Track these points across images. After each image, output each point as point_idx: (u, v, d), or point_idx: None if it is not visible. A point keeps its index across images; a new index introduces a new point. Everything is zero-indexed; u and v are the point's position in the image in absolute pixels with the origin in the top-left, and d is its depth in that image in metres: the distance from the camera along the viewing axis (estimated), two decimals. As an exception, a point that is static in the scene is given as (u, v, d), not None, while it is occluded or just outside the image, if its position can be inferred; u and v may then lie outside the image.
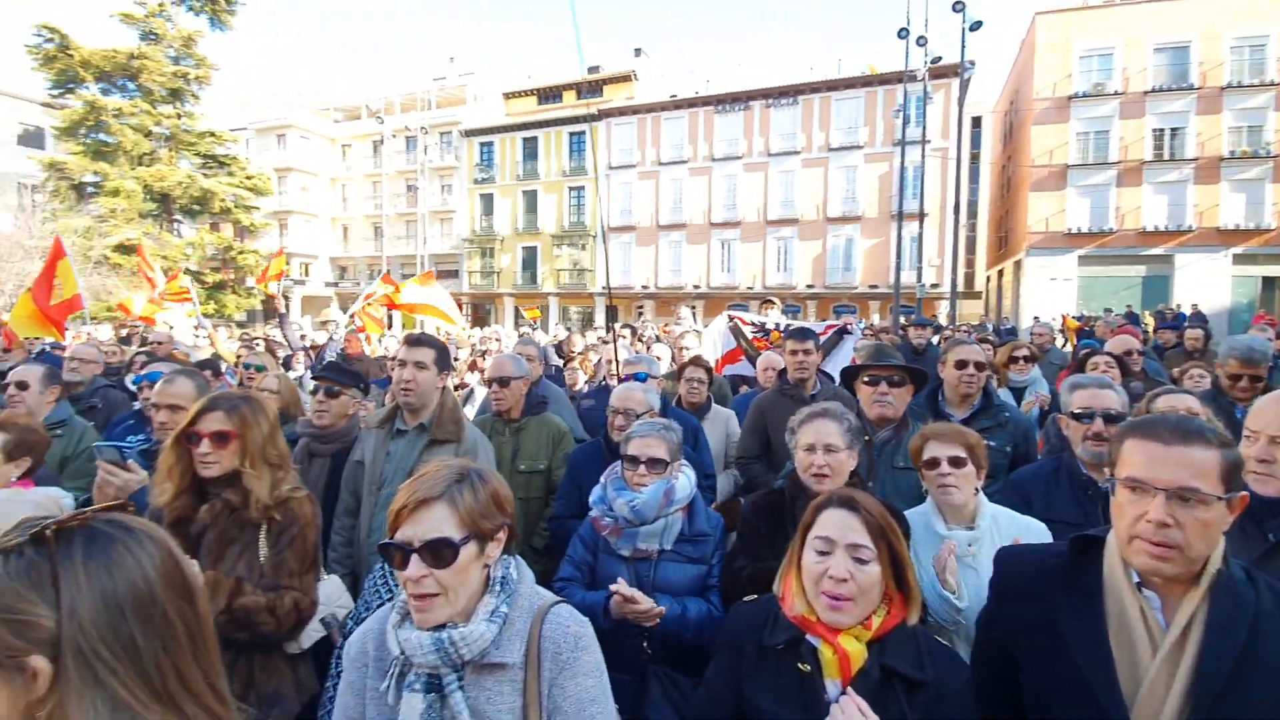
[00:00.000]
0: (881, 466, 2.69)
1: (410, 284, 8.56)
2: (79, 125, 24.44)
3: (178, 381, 2.69)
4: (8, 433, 2.18)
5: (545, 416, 3.63)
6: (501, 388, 3.49)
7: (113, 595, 0.82)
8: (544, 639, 1.34)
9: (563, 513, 3.09)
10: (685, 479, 2.39)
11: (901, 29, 18.17)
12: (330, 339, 8.96)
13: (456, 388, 5.92)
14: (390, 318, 10.68)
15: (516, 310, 33.85)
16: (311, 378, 3.66)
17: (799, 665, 1.47)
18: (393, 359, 5.32)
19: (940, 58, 19.85)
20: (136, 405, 4.12)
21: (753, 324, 6.09)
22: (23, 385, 3.28)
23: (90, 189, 25.23)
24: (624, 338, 9.39)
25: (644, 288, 34.32)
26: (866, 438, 2.43)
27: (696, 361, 4.42)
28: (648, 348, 7.01)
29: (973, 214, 36.46)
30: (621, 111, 34.89)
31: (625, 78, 37.48)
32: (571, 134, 36.26)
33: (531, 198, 37.42)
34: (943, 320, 20.02)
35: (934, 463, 2.11)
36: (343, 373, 3.46)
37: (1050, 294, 26.24)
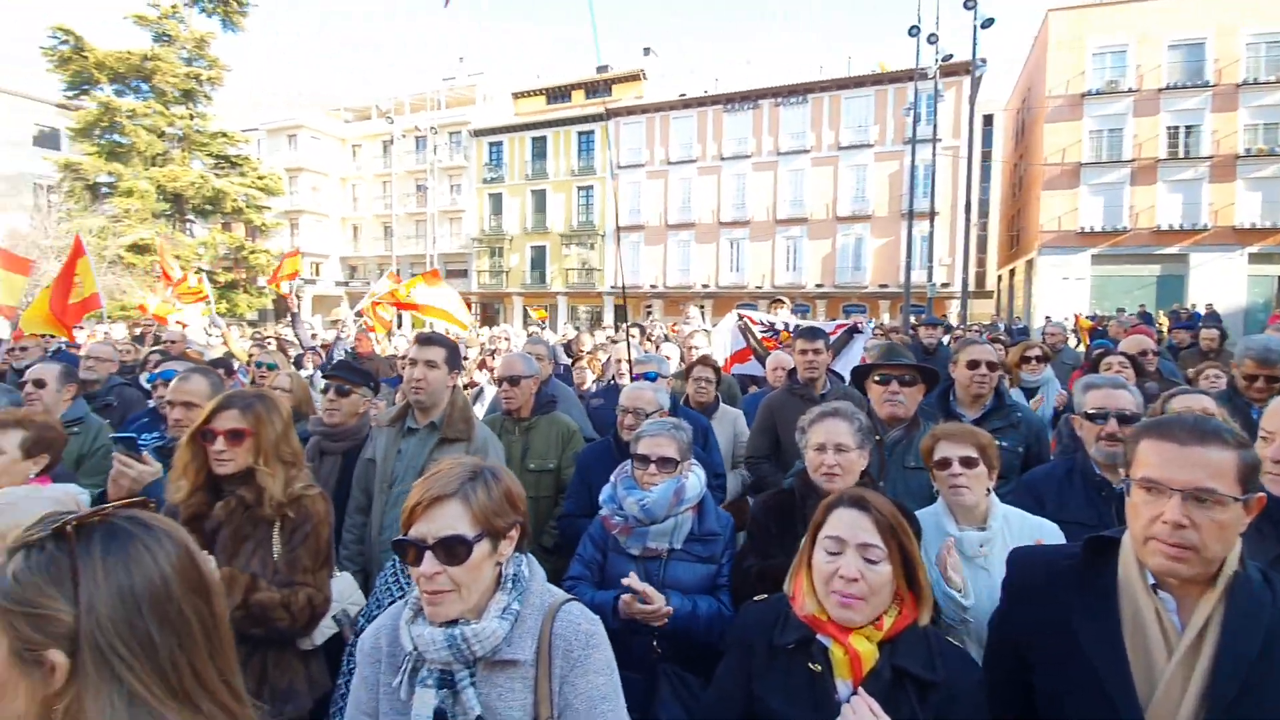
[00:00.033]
0: (892, 466, 2.68)
1: (419, 284, 8.58)
2: (93, 126, 24.70)
3: (192, 379, 2.72)
4: (26, 430, 2.21)
5: (555, 415, 3.64)
6: (512, 386, 3.50)
7: (130, 592, 0.83)
8: (555, 636, 1.34)
9: (572, 511, 3.10)
10: (695, 478, 2.39)
11: (912, 27, 18.07)
12: (338, 338, 9.03)
13: (466, 387, 5.94)
14: (400, 317, 10.72)
15: (525, 310, 33.91)
16: (322, 376, 3.69)
17: (810, 665, 1.47)
18: (403, 358, 5.36)
19: (951, 55, 19.74)
20: (151, 403, 4.16)
21: (762, 323, 6.08)
22: (40, 383, 3.33)
23: (105, 189, 25.50)
24: (633, 337, 9.40)
25: (652, 287, 34.30)
26: (877, 437, 2.42)
27: (704, 361, 4.42)
28: (656, 347, 7.00)
29: (984, 213, 36.17)
30: (630, 111, 34.89)
31: (634, 77, 37.47)
32: (580, 133, 36.28)
33: (540, 197, 37.48)
34: (954, 320, 19.91)
35: (945, 463, 2.10)
36: (353, 371, 3.48)
37: (1063, 293, 26.02)
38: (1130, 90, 25.89)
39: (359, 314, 8.99)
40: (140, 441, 2.35)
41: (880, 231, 30.42)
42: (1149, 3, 25.66)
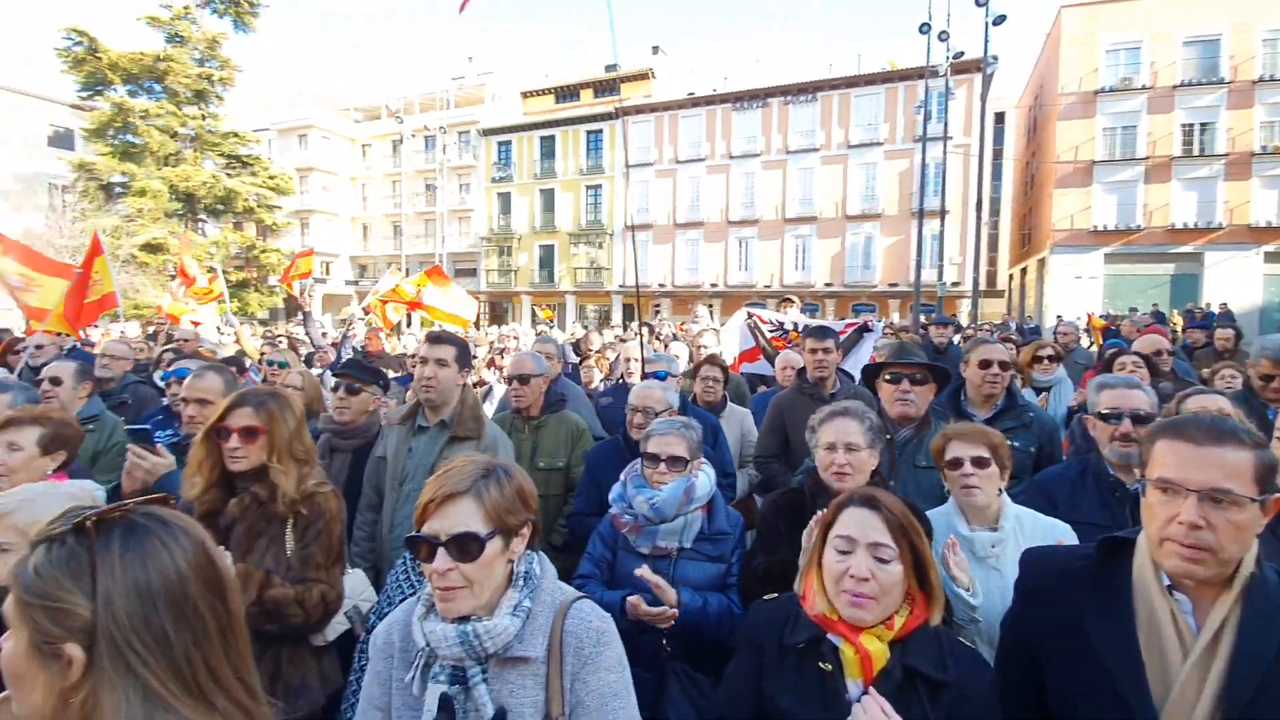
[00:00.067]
0: (903, 465, 2.67)
1: (428, 284, 8.60)
2: (107, 127, 24.96)
3: (206, 377, 2.75)
4: (44, 427, 2.24)
5: (564, 414, 3.65)
6: (521, 385, 3.51)
7: (146, 587, 0.84)
8: (566, 634, 1.35)
9: (581, 510, 3.11)
10: (705, 477, 2.39)
11: (923, 24, 17.98)
12: (345, 336, 9.08)
13: (475, 385, 5.96)
14: (409, 317, 10.78)
15: (533, 310, 33.98)
16: (332, 375, 3.72)
17: (820, 664, 1.47)
18: (413, 356, 5.37)
19: (963, 53, 19.58)
20: (165, 401, 4.21)
21: (771, 323, 6.06)
22: (56, 381, 3.37)
23: (118, 189, 25.78)
24: (641, 335, 9.39)
25: (660, 286, 34.29)
26: (888, 436, 2.41)
27: (712, 360, 4.41)
28: (665, 346, 7.00)
29: (995, 211, 35.94)
30: (639, 110, 34.86)
31: (643, 76, 37.45)
32: (589, 133, 36.30)
33: (549, 196, 37.54)
34: (964, 319, 19.78)
35: (957, 463, 2.09)
36: (363, 370, 3.51)
37: (1075, 292, 25.80)
38: (1144, 87, 25.64)
39: (366, 310, 9.03)
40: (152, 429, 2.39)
41: (890, 230, 30.27)
42: (1163, -2, 25.44)
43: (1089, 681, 1.33)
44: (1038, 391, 4.41)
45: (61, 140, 30.06)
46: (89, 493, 1.94)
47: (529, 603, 1.35)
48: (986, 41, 17.28)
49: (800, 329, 5.63)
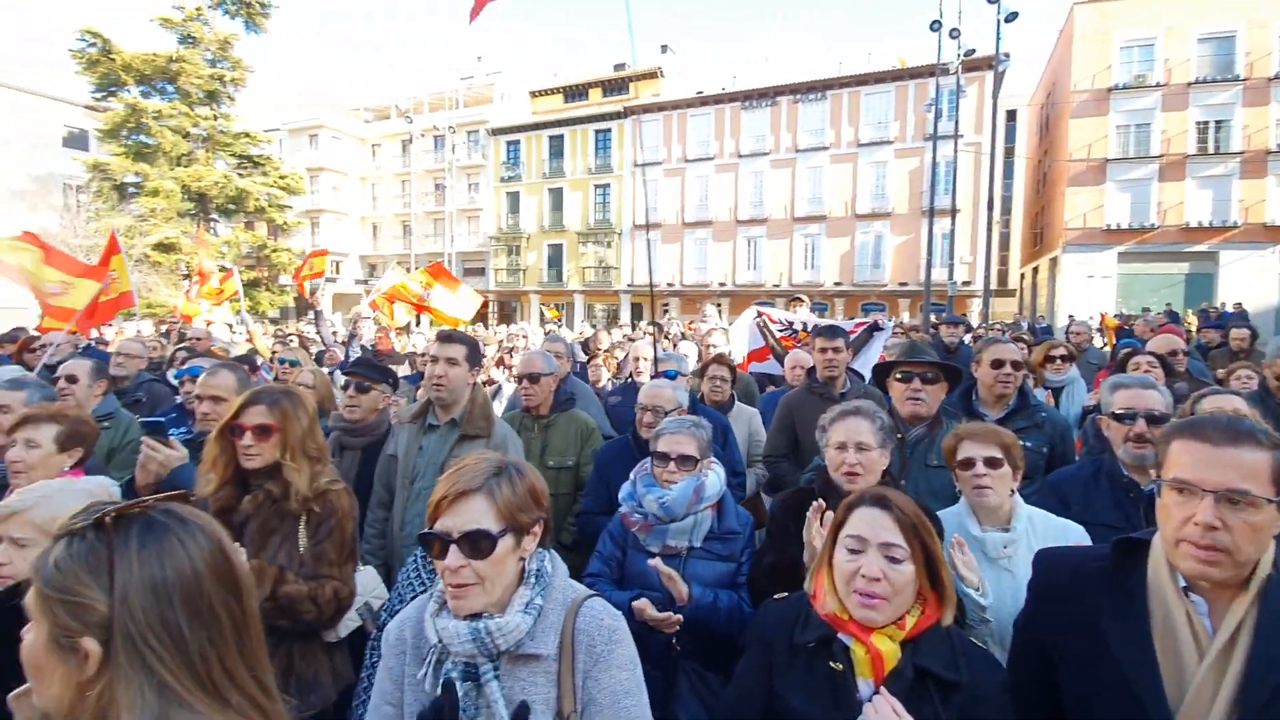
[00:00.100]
0: (914, 465, 2.65)
1: (436, 286, 8.61)
2: (121, 127, 25.18)
3: (220, 374, 2.78)
4: (61, 424, 2.27)
5: (574, 413, 3.65)
6: (531, 384, 3.52)
7: (162, 584, 0.85)
8: (578, 631, 1.35)
9: (590, 508, 3.12)
10: (715, 476, 2.39)
11: (934, 21, 17.85)
12: (352, 335, 9.13)
13: (484, 384, 5.98)
14: (419, 318, 10.83)
15: (541, 309, 34.03)
16: (342, 373, 3.75)
17: (830, 664, 1.47)
18: (423, 355, 5.39)
19: (974, 50, 19.44)
20: (178, 399, 4.25)
21: (780, 322, 6.04)
22: (72, 379, 3.41)
23: (131, 189, 26.03)
24: (650, 335, 9.40)
25: (669, 285, 34.26)
26: (899, 435, 2.40)
27: (720, 360, 4.41)
28: (674, 345, 6.99)
29: (1006, 210, 35.70)
30: (647, 109, 34.83)
31: (651, 75, 37.41)
32: (597, 132, 36.31)
33: (557, 195, 37.59)
34: (975, 319, 19.65)
35: (969, 463, 2.08)
36: (373, 368, 3.53)
37: (1088, 292, 25.59)
38: (1158, 84, 25.38)
39: (372, 306, 9.05)
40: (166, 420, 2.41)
41: (900, 229, 30.11)
42: (1178, -5, 25.16)
43: (1104, 682, 1.32)
44: (1051, 392, 4.38)
45: (76, 141, 30.36)
46: (105, 488, 1.96)
47: (540, 600, 1.36)
48: (998, 39, 17.14)
49: (809, 329, 5.61)
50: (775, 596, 1.73)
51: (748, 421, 4.24)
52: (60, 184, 28.66)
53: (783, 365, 5.32)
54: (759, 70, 37.56)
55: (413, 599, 1.74)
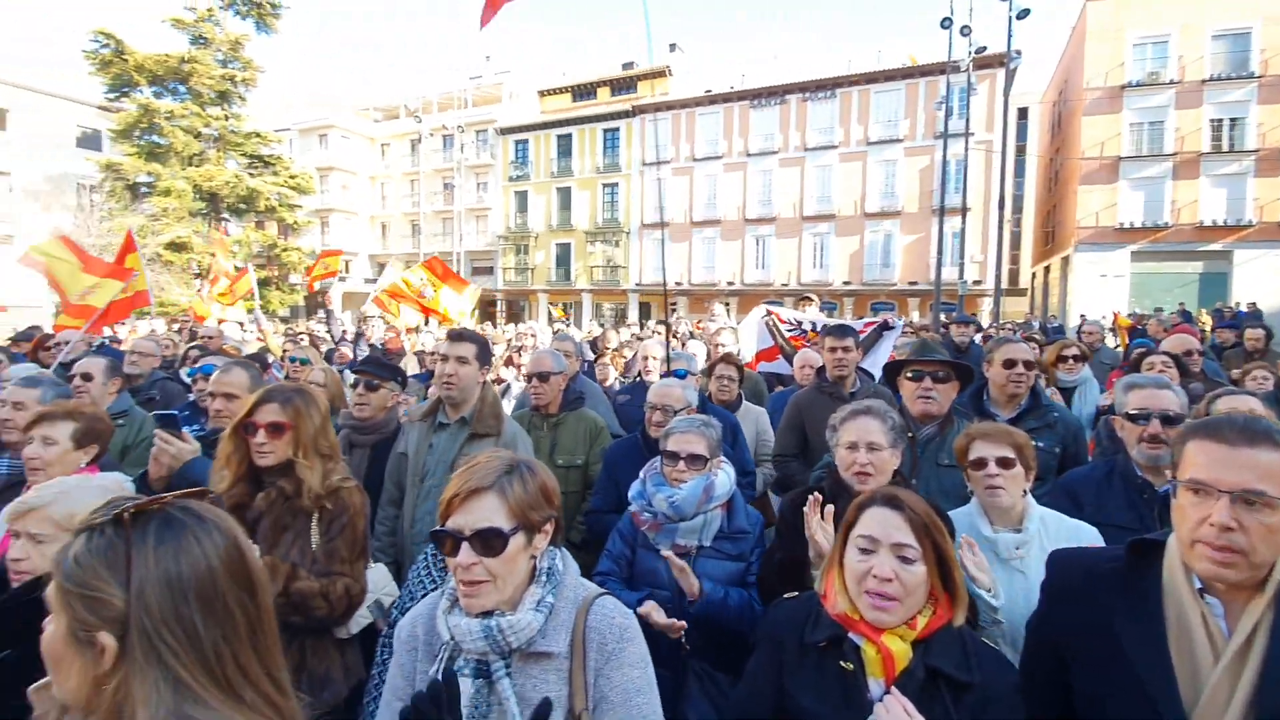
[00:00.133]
0: (925, 464, 2.64)
1: (445, 289, 8.62)
2: (133, 127, 25.38)
3: (233, 371, 2.81)
4: (77, 422, 2.29)
5: (582, 412, 3.66)
6: (541, 383, 3.53)
7: (177, 580, 0.86)
8: (589, 630, 1.36)
9: (599, 507, 3.12)
10: (725, 475, 2.39)
11: (945, 19, 17.73)
12: (358, 334, 9.19)
13: (493, 383, 5.99)
14: (427, 320, 10.88)
15: (549, 309, 34.08)
16: (351, 371, 3.77)
17: (841, 663, 1.46)
18: (433, 354, 5.40)
19: (985, 48, 19.33)
20: (191, 397, 4.28)
21: (789, 322, 6.03)
22: (88, 377, 3.44)
23: (144, 189, 26.24)
24: (658, 334, 9.40)
25: (677, 284, 34.23)
26: (910, 434, 2.39)
27: (728, 359, 4.41)
28: (682, 344, 6.99)
29: (1018, 208, 35.45)
30: (656, 107, 34.81)
31: (660, 74, 37.38)
32: (605, 130, 36.32)
33: (565, 194, 37.63)
34: (986, 318, 19.51)
35: (981, 463, 2.07)
36: (382, 366, 3.55)
37: (1100, 291, 25.37)
38: (1172, 82, 25.12)
39: (377, 303, 9.10)
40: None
41: (910, 228, 29.95)
42: (1192, -9, 24.89)
43: (1117, 684, 1.31)
44: (1062, 392, 4.35)
45: (89, 141, 30.66)
46: (120, 484, 1.98)
47: (551, 598, 1.36)
48: (1010, 36, 17.03)
49: (818, 328, 5.60)
50: (785, 596, 1.72)
51: (755, 421, 4.23)
52: (74, 184, 28.95)
53: (791, 365, 5.31)
54: (768, 69, 37.61)
55: (423, 596, 1.74)
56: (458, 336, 3.03)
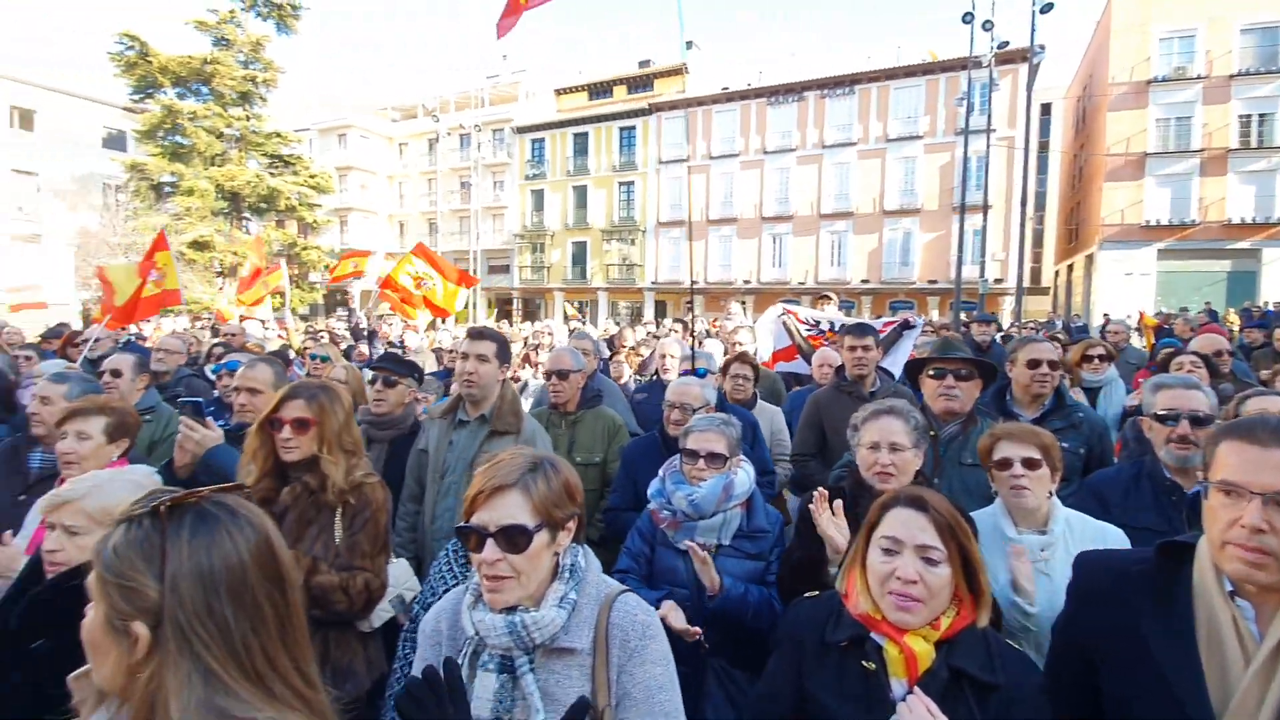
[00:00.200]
0: (948, 463, 2.62)
1: (437, 278, 8.61)
2: (157, 128, 25.81)
3: (258, 367, 2.86)
4: (109, 416, 2.34)
5: (600, 410, 3.67)
6: (560, 380, 3.54)
7: (209, 574, 0.88)
8: (612, 626, 1.36)
9: (617, 505, 3.13)
10: (744, 474, 2.38)
11: (966, 14, 17.52)
12: (372, 333, 9.30)
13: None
14: (435, 322, 10.94)
15: (565, 308, 34.16)
16: (369, 368, 3.82)
17: (863, 663, 1.45)
18: (451, 351, 5.42)
19: (1007, 42, 19.05)
20: (216, 393, 4.35)
21: (807, 321, 5.99)
22: (117, 373, 3.51)
23: (168, 188, 26.68)
24: (675, 332, 9.39)
25: (694, 282, 34.12)
26: (932, 433, 2.37)
27: (743, 358, 4.39)
28: (699, 343, 6.98)
29: (1040, 205, 34.92)
30: (672, 105, 34.74)
31: (676, 71, 37.29)
32: (621, 129, 36.31)
33: (581, 193, 37.70)
34: (1007, 317, 19.28)
35: (1006, 463, 2.04)
36: (400, 363, 3.59)
37: (1125, 290, 24.95)
38: (1199, 77, 24.64)
39: (381, 297, 9.15)
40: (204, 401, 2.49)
41: (929, 226, 29.62)
42: (1220, -16, 24.36)
43: (1146, 686, 1.30)
44: (1087, 392, 4.29)
45: (114, 142, 31.23)
46: (149, 477, 2.02)
47: (574, 595, 1.37)
48: (1033, 30, 16.79)
49: (836, 328, 5.57)
50: (806, 595, 1.72)
51: (770, 420, 4.21)
52: (100, 184, 29.52)
53: (809, 364, 5.28)
54: (785, 65, 37.36)
55: (445, 591, 1.76)
56: (478, 335, 3.06)
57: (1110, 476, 2.38)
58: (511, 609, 1.32)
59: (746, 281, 33.23)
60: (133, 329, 9.42)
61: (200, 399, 2.62)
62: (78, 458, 2.23)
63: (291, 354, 7.07)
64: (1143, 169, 25.50)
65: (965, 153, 18.60)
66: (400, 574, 2.46)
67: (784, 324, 6.01)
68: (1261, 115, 24.14)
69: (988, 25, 17.61)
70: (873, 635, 1.47)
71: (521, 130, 38.91)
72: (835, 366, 4.30)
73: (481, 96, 41.17)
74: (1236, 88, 24.28)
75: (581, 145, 37.44)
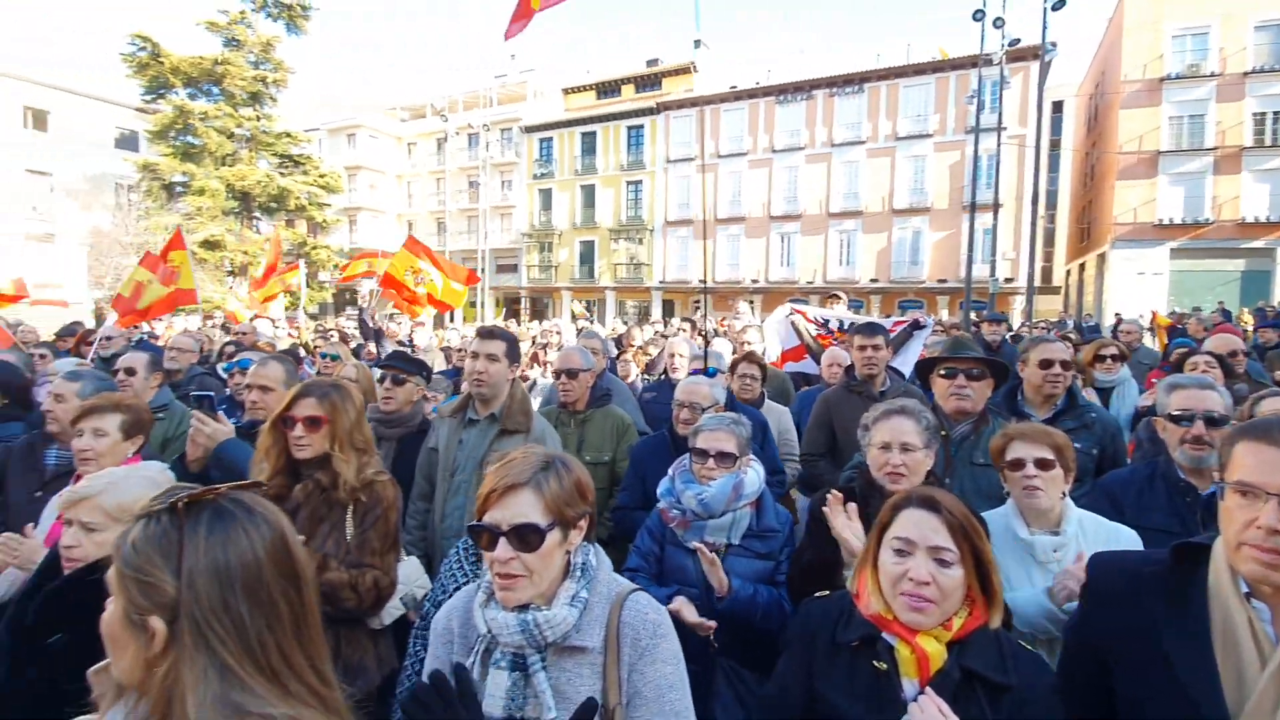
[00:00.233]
0: (959, 463, 2.60)
1: (435, 271, 8.62)
2: (169, 128, 26.03)
3: (270, 365, 2.89)
4: (124, 414, 2.37)
5: (609, 409, 3.68)
6: (569, 379, 3.55)
7: (225, 570, 0.88)
8: (623, 625, 1.37)
9: (626, 504, 3.13)
10: (754, 474, 2.38)
11: (977, 11, 17.40)
12: (379, 332, 9.33)
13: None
14: (451, 315, 11.00)
15: (572, 306, 34.20)
16: (377, 366, 3.84)
17: (874, 663, 1.45)
18: (460, 350, 5.43)
19: (1019, 39, 18.92)
20: (228, 391, 4.39)
21: (816, 320, 5.98)
22: (131, 371, 3.55)
23: (179, 188, 26.92)
24: (684, 331, 9.39)
25: (701, 282, 34.04)
26: (943, 433, 2.35)
27: (750, 358, 4.39)
28: (707, 342, 6.97)
29: (1052, 204, 34.64)
30: (680, 104, 34.70)
31: (684, 70, 37.24)
32: (629, 128, 36.31)
33: (589, 192, 37.73)
34: (1018, 316, 19.15)
35: (1018, 464, 2.03)
36: (408, 361, 3.61)
37: (1138, 289, 24.72)
38: (1213, 74, 24.37)
39: (384, 295, 9.18)
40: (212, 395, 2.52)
41: (939, 225, 29.47)
42: (1234, -20, 24.08)
43: (1161, 688, 1.29)
44: (1099, 392, 4.26)
45: (127, 142, 31.51)
46: (163, 473, 2.04)
47: (586, 594, 1.37)
48: (1045, 27, 16.67)
49: (845, 326, 5.55)
50: (817, 595, 1.71)
51: (778, 420, 4.20)
52: (112, 183, 29.83)
53: (818, 364, 5.26)
54: (794, 64, 37.21)
55: (455, 589, 1.77)
56: (488, 334, 3.07)
57: (1124, 477, 2.37)
58: (524, 607, 1.32)
59: (754, 281, 33.15)
60: (144, 327, 9.50)
61: (211, 393, 2.65)
62: (95, 454, 2.25)
63: (302, 352, 7.12)
64: (1155, 167, 25.26)
65: (976, 151, 18.48)
66: (411, 572, 2.47)
67: (792, 324, 5.99)
68: (1276, 113, 23.85)
69: (999, 22, 17.48)
70: (884, 635, 1.46)
71: (529, 130, 38.97)
72: (845, 366, 4.29)
73: (489, 96, 41.26)
74: (1250, 85, 24.00)
75: (589, 144, 37.46)
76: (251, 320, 9.26)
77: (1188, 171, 24.92)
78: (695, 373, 3.79)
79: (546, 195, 39.09)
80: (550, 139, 38.66)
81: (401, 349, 7.17)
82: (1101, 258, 27.40)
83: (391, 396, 3.42)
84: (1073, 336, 6.73)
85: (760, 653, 2.17)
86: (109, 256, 24.74)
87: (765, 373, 4.44)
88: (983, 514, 2.00)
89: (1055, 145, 32.64)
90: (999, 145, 19.18)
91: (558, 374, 3.64)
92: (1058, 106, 33.20)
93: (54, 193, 28.47)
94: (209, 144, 25.96)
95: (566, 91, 41.01)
